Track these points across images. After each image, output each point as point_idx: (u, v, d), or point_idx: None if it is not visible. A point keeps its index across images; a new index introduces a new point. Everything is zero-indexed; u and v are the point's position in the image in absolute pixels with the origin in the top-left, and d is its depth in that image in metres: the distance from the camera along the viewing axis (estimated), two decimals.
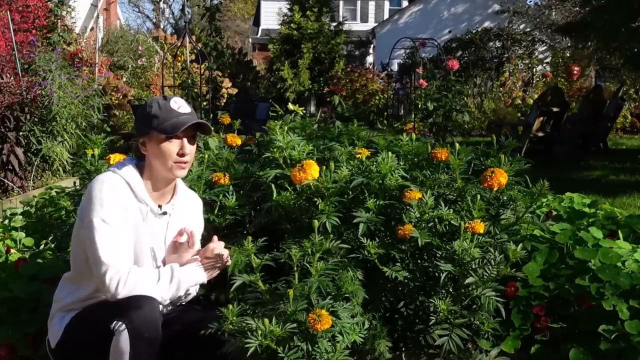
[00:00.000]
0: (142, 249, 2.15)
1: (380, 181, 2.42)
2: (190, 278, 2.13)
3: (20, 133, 6.31)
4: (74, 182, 4.60)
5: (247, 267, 2.15)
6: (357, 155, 2.55)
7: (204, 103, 8.88)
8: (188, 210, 2.31)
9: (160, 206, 2.21)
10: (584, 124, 9.64)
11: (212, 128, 3.18)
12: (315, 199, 2.32)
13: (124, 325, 1.95)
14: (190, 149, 2.17)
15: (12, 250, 3.24)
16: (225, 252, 2.19)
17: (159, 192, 2.20)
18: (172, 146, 2.14)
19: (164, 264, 2.22)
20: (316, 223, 2.15)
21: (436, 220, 2.37)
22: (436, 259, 2.32)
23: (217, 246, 2.18)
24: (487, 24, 19.00)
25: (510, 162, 2.56)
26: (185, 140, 2.15)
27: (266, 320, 1.91)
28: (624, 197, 6.09)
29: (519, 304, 2.61)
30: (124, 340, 1.94)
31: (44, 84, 6.62)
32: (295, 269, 2.07)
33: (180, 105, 2.17)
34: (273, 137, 2.62)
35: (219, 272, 2.19)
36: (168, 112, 2.14)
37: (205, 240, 2.31)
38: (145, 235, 2.16)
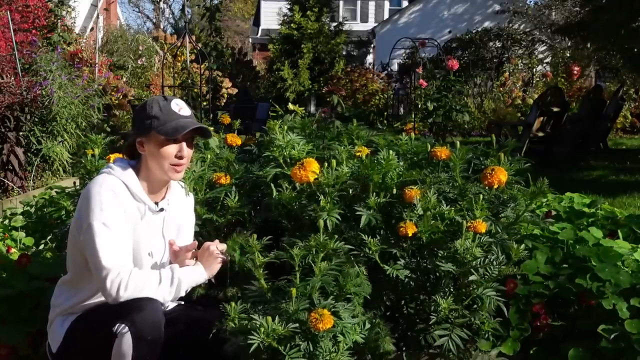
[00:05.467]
0: (140, 248, 2.15)
1: (381, 179, 2.42)
2: (190, 278, 2.13)
3: (20, 133, 6.31)
4: (74, 182, 4.60)
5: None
6: (357, 154, 2.55)
7: (204, 103, 8.87)
8: (182, 204, 2.33)
9: (157, 203, 2.21)
10: (584, 124, 9.63)
11: (212, 131, 3.19)
12: (317, 196, 2.32)
13: (126, 328, 1.94)
14: (188, 153, 2.17)
15: (13, 250, 3.24)
16: (223, 247, 2.21)
17: (154, 190, 2.21)
18: (170, 149, 2.13)
19: (164, 261, 2.23)
20: (321, 222, 2.15)
21: (438, 217, 2.37)
22: (437, 258, 2.32)
23: (214, 243, 2.20)
24: (487, 24, 18.94)
25: (510, 162, 2.56)
26: (184, 143, 2.15)
27: (269, 319, 1.91)
28: (624, 197, 6.09)
29: (519, 302, 2.61)
30: (126, 342, 1.94)
31: (44, 84, 6.61)
32: (297, 268, 2.07)
33: (181, 107, 2.16)
34: (273, 136, 2.62)
35: (218, 268, 2.20)
36: (169, 114, 2.13)
37: (206, 238, 2.31)
38: (143, 234, 2.16)
